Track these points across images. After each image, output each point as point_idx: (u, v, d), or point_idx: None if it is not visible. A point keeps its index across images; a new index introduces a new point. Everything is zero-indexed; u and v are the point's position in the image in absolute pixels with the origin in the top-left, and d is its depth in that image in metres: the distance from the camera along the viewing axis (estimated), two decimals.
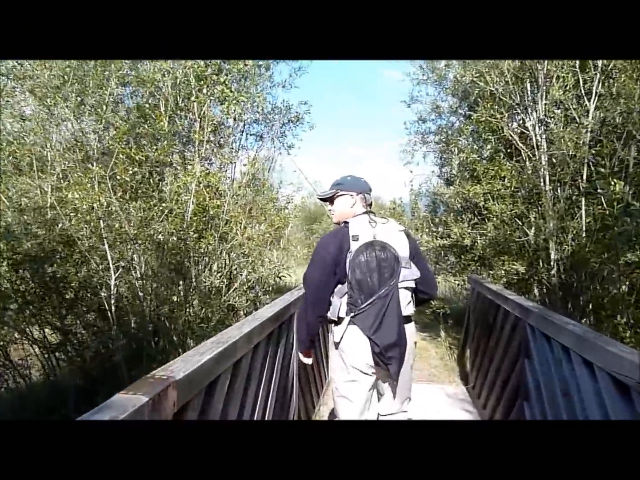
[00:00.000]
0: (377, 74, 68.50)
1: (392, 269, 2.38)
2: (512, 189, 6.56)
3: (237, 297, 5.88)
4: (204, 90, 5.76)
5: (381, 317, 2.32)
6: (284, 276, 8.22)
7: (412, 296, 2.53)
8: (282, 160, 10.18)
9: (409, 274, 2.44)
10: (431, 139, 9.23)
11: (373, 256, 2.37)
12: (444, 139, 8.75)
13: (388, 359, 2.32)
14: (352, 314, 2.39)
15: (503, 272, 6.59)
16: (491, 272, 6.85)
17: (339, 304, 2.43)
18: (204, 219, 6.53)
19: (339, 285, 2.45)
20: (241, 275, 5.92)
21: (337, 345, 2.50)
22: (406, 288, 2.45)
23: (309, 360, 2.90)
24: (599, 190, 5.37)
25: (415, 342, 2.60)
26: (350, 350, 2.42)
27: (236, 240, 6.01)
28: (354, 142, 73.42)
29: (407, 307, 2.47)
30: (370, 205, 2.72)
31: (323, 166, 63.64)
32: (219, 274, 5.52)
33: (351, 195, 2.68)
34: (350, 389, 2.46)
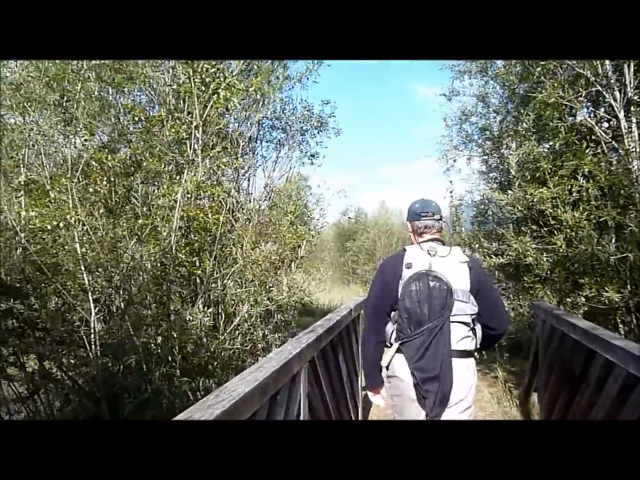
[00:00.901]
0: (409, 88, 67.15)
1: (444, 301, 2.32)
2: (591, 190, 5.06)
3: (236, 338, 4.62)
4: (196, 80, 4.61)
5: (424, 349, 2.30)
6: (305, 303, 6.96)
7: (472, 331, 2.44)
8: (305, 170, 9.02)
9: (465, 308, 2.37)
10: (477, 136, 7.81)
11: (425, 286, 2.34)
12: (494, 135, 7.30)
13: (425, 392, 2.29)
14: (399, 342, 2.39)
15: (583, 299, 5.08)
16: (568, 299, 5.33)
17: (391, 329, 2.45)
18: (207, 238, 5.37)
19: (394, 312, 2.46)
20: (241, 310, 4.66)
21: (386, 368, 2.50)
22: (462, 322, 2.38)
23: (379, 400, 2.68)
24: None
25: (474, 381, 2.48)
26: (397, 376, 2.43)
27: (237, 265, 4.78)
28: (386, 156, 71.91)
29: (462, 341, 2.38)
30: (434, 229, 2.58)
31: (349, 175, 61.90)
32: (210, 309, 4.29)
33: (407, 223, 2.70)
34: (405, 412, 2.46)
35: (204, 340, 4.86)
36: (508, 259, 6.13)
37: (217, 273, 4.83)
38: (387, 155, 70.05)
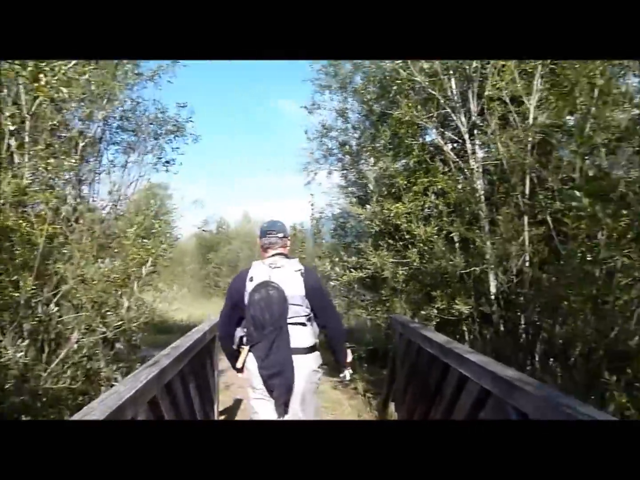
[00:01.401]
0: (271, 103, 67.62)
1: (281, 307, 2.71)
2: (441, 206, 5.31)
3: (65, 372, 3.87)
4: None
5: (268, 349, 2.68)
6: (156, 323, 6.28)
7: (309, 329, 2.83)
8: (160, 178, 8.30)
9: (300, 311, 2.77)
10: (337, 151, 7.88)
11: (266, 295, 2.72)
12: (353, 150, 7.41)
13: (271, 386, 2.71)
14: (249, 345, 2.79)
15: (435, 311, 5.27)
16: (422, 311, 5.49)
17: (240, 334, 2.87)
18: (31, 254, 4.48)
19: (243, 319, 2.85)
20: (69, 339, 3.92)
21: (242, 368, 2.88)
22: (299, 323, 2.77)
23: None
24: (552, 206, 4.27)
25: (319, 370, 2.91)
26: (250, 374, 2.82)
27: (66, 285, 4.03)
28: (251, 168, 71.54)
29: (301, 340, 2.77)
30: (277, 246, 2.95)
31: (211, 185, 60.84)
32: (26, 341, 3.51)
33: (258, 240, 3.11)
34: (258, 405, 2.84)
35: (28, 375, 4.01)
36: (366, 272, 6.19)
37: (40, 295, 4.03)
38: (253, 166, 69.76)
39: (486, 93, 4.86)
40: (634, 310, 4.72)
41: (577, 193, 4.11)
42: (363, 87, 6.71)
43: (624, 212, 4.40)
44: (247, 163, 70.46)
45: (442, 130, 5.63)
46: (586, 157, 4.58)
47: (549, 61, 5.01)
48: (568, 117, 4.90)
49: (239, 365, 2.86)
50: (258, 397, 2.81)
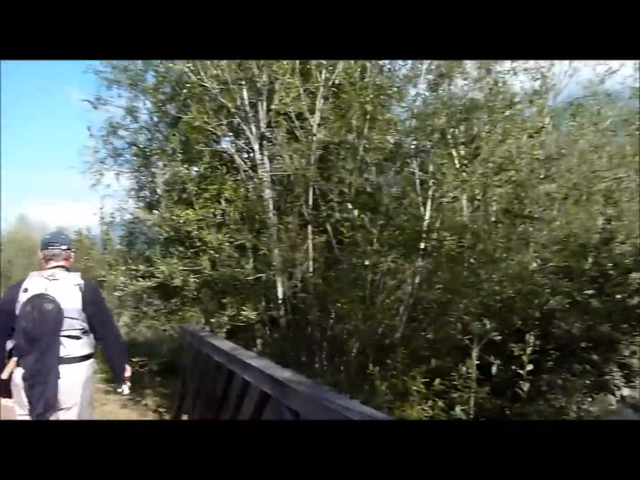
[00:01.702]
0: (57, 89, 59.76)
1: (55, 320, 2.69)
2: (233, 214, 5.38)
3: None
4: None
5: (35, 360, 2.65)
6: None
7: (84, 341, 2.85)
8: None
9: (75, 324, 2.78)
10: (126, 151, 7.34)
11: (39, 307, 2.68)
12: (144, 152, 6.99)
13: (30, 396, 2.65)
14: (17, 357, 2.71)
15: (226, 318, 5.29)
16: (213, 320, 5.46)
17: (10, 346, 2.76)
18: None
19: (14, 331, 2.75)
20: None
21: (8, 381, 2.78)
22: (73, 336, 2.78)
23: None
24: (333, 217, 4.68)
25: (91, 380, 2.98)
26: (18, 390, 2.73)
27: None
28: (28, 164, 62.04)
29: (74, 350, 2.79)
30: (60, 258, 2.93)
31: None
32: None
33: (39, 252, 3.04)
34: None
35: None
36: (155, 281, 5.91)
37: None
38: (31, 162, 60.38)
39: (273, 107, 5.09)
40: (398, 308, 5.49)
41: (350, 206, 4.66)
42: (154, 87, 6.40)
43: (390, 222, 5.12)
44: (24, 156, 60.84)
45: (234, 139, 5.71)
46: (362, 174, 5.17)
47: (330, 83, 5.51)
48: (349, 136, 5.45)
49: (4, 376, 2.75)
50: (26, 414, 2.72)
